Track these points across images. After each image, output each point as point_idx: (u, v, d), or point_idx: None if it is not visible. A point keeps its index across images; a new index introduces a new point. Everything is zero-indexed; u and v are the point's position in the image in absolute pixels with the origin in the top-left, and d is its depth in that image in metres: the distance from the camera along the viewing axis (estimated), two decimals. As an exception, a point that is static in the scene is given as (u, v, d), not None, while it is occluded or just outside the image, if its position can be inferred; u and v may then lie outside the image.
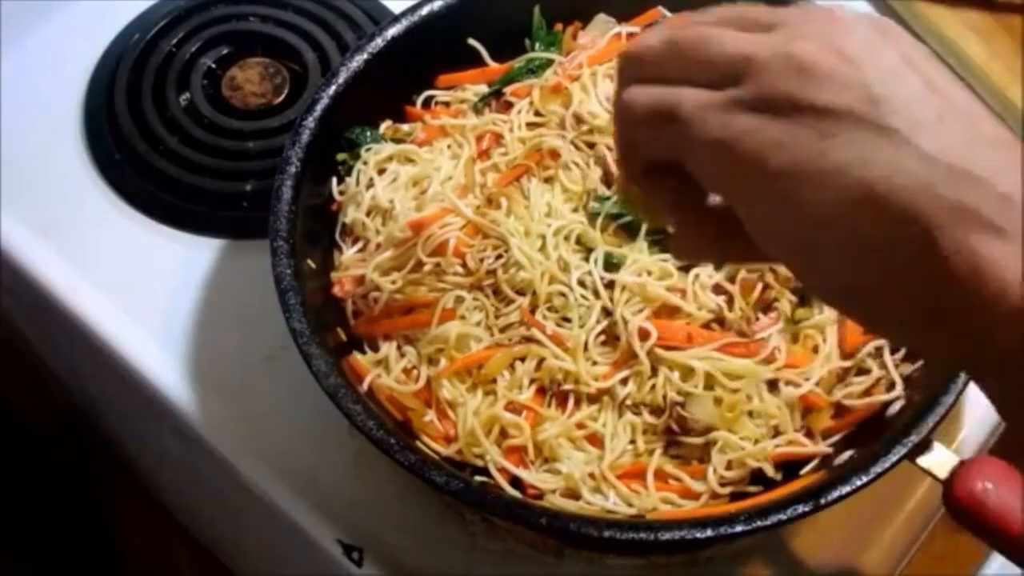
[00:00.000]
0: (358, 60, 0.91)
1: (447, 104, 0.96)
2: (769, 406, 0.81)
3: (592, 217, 0.86)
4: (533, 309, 0.82)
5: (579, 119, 0.90)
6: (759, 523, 0.73)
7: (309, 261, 0.85)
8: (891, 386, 0.84)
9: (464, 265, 0.84)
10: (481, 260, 0.83)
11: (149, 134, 1.04)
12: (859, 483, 0.75)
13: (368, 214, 0.88)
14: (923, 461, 0.77)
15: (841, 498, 0.75)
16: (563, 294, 0.82)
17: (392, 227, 0.86)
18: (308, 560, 0.91)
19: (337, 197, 0.91)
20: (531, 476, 0.79)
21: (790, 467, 0.81)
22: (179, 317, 0.96)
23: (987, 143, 0.48)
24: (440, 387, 0.81)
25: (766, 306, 0.84)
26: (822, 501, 0.74)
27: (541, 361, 0.81)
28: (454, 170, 0.89)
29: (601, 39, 0.96)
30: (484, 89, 0.95)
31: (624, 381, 0.81)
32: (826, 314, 0.84)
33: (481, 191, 0.87)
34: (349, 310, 0.87)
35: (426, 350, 0.83)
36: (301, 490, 0.89)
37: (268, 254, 0.82)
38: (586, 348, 0.81)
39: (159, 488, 1.38)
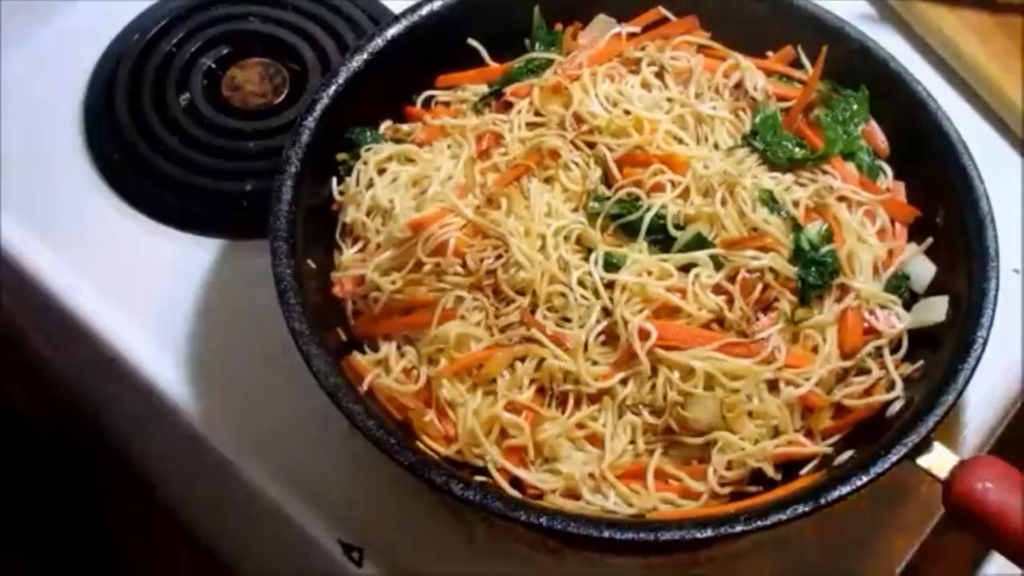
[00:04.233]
0: (358, 60, 0.91)
1: (447, 104, 0.96)
2: (769, 406, 0.81)
3: (592, 217, 0.85)
4: (533, 309, 0.82)
5: (579, 119, 0.90)
6: (759, 523, 0.73)
7: (309, 261, 0.85)
8: (891, 386, 0.84)
9: (464, 265, 0.84)
10: (481, 260, 0.83)
11: (149, 134, 1.04)
12: (859, 483, 0.75)
13: (368, 214, 0.88)
14: (923, 461, 0.77)
15: (841, 498, 0.75)
16: (563, 294, 0.82)
17: (392, 227, 0.86)
18: (308, 560, 0.91)
19: (337, 197, 0.91)
20: (531, 476, 0.79)
21: (790, 467, 0.82)
22: (179, 317, 0.96)
23: None
24: (440, 387, 0.81)
25: (766, 306, 0.84)
26: (822, 501, 0.74)
27: (541, 361, 0.81)
28: (454, 170, 0.89)
29: (601, 39, 0.96)
30: (484, 89, 0.95)
31: (624, 381, 0.81)
32: (826, 314, 0.84)
33: (481, 191, 0.87)
34: (349, 310, 0.87)
35: (426, 350, 0.83)
36: (301, 490, 0.89)
37: (268, 254, 0.82)
38: (586, 348, 0.81)
39: (159, 487, 1.38)
